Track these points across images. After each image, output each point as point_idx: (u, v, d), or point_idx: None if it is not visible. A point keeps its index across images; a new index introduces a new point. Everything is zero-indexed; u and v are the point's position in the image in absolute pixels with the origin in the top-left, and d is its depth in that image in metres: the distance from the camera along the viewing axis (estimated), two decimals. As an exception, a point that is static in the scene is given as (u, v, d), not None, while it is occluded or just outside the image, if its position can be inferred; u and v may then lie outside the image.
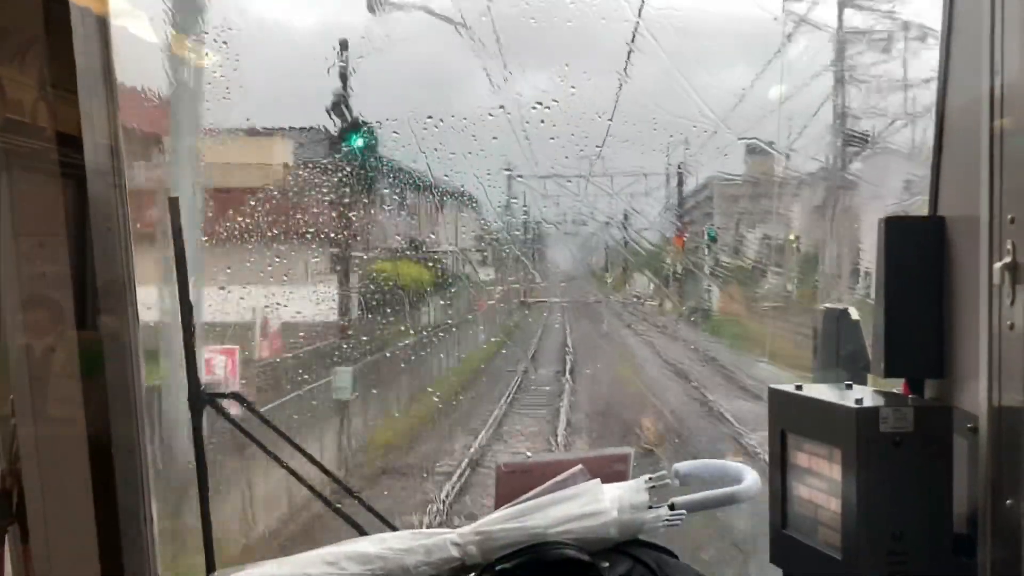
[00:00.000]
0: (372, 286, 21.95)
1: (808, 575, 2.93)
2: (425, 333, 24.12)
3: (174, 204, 3.36)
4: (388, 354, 22.08)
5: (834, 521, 2.79)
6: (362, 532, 3.23)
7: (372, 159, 19.94)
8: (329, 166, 20.02)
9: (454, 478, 18.08)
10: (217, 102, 15.04)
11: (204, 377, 3.72)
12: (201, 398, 3.29)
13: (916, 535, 2.69)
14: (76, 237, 2.93)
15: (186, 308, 3.27)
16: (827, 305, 3.52)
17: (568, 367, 27.53)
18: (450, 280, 28.34)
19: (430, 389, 23.65)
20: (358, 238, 22.39)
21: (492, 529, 2.78)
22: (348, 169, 19.70)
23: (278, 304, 19.39)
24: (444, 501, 16.75)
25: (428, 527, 3.32)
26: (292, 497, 14.91)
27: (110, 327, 3.02)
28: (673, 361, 27.72)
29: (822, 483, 2.85)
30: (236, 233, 17.26)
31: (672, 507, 2.90)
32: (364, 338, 21.46)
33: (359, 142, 20.01)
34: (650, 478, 2.92)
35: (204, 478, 3.30)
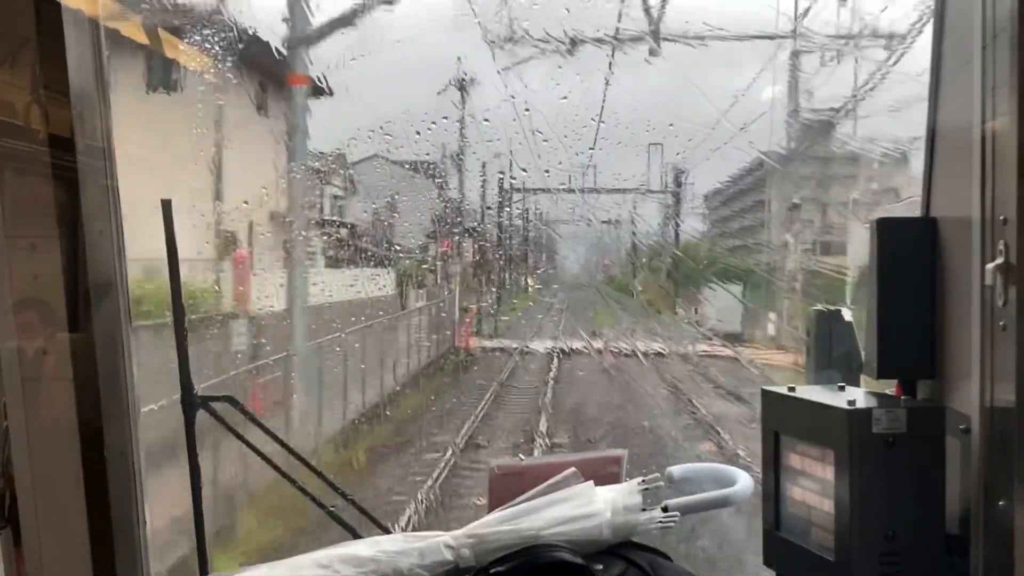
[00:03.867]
0: None
1: None
2: None
3: (166, 206, 3.35)
4: None
5: (827, 522, 2.79)
6: (355, 535, 3.22)
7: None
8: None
9: None
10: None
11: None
12: (194, 401, 3.29)
13: (909, 536, 2.69)
14: (68, 239, 2.92)
15: (179, 310, 3.27)
16: (819, 306, 3.53)
17: None
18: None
19: None
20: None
21: (485, 532, 2.78)
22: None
23: None
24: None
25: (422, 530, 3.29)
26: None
27: (102, 329, 3.02)
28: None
29: (815, 484, 2.85)
30: None
31: (665, 509, 2.91)
32: None
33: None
34: (643, 480, 2.93)
35: (197, 481, 3.29)
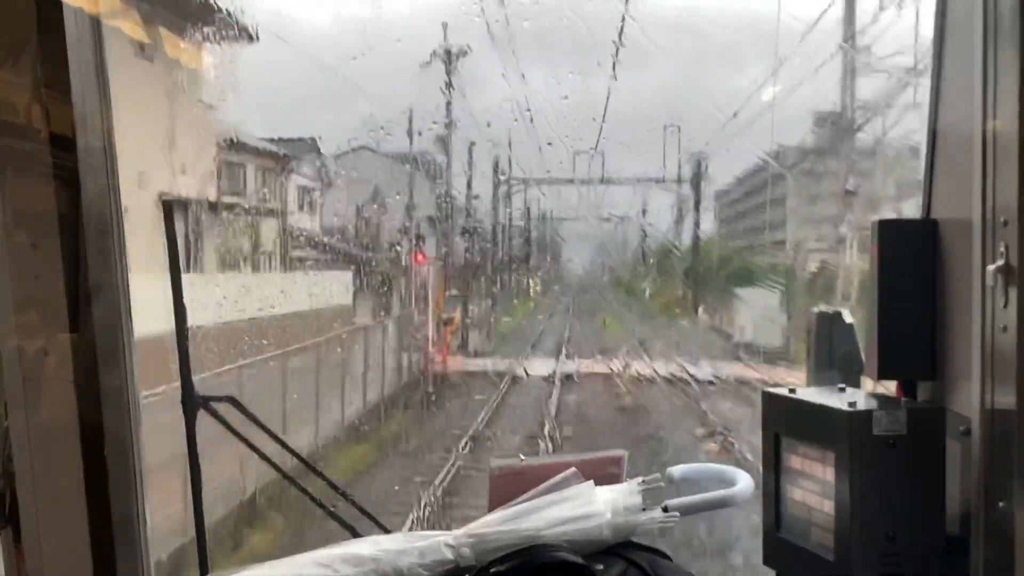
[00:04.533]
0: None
1: None
2: None
3: (167, 207, 3.36)
4: None
5: (827, 523, 2.79)
6: (355, 534, 3.22)
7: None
8: None
9: None
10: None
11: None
12: (195, 401, 3.29)
13: (909, 537, 2.69)
14: (69, 238, 2.92)
15: (180, 311, 3.27)
16: (820, 308, 3.53)
17: None
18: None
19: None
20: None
21: (486, 531, 2.78)
22: None
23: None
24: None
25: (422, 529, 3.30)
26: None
27: (103, 329, 3.02)
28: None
29: (815, 485, 2.86)
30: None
31: (666, 510, 2.91)
32: None
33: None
34: (643, 480, 2.93)
35: (197, 481, 3.30)
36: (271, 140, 18.75)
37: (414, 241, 18.12)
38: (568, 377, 16.44)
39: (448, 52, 18.35)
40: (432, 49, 18.63)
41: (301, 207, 19.19)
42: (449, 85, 18.38)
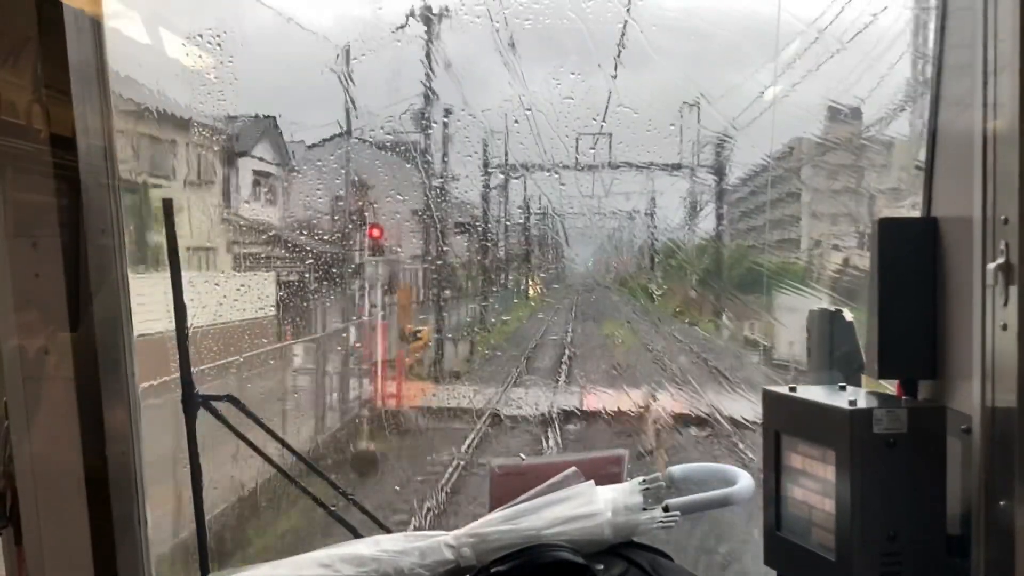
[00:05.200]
0: None
1: None
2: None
3: (167, 205, 3.36)
4: None
5: (828, 522, 2.79)
6: (356, 534, 3.23)
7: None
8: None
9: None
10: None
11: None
12: (195, 400, 3.30)
13: (910, 536, 2.69)
14: (69, 238, 2.92)
15: (180, 310, 3.27)
16: (820, 306, 3.53)
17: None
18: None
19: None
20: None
21: (486, 531, 2.78)
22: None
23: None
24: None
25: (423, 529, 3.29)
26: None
27: (104, 329, 3.02)
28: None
29: (816, 484, 2.85)
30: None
31: (666, 509, 2.91)
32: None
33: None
34: (644, 480, 2.93)
35: (198, 481, 3.30)
36: (229, 117, 15.73)
37: (365, 215, 14.78)
38: (568, 416, 13.58)
39: (428, 8, 16.09)
40: (409, 9, 16.27)
41: (254, 198, 16.82)
42: (428, 54, 16.33)
